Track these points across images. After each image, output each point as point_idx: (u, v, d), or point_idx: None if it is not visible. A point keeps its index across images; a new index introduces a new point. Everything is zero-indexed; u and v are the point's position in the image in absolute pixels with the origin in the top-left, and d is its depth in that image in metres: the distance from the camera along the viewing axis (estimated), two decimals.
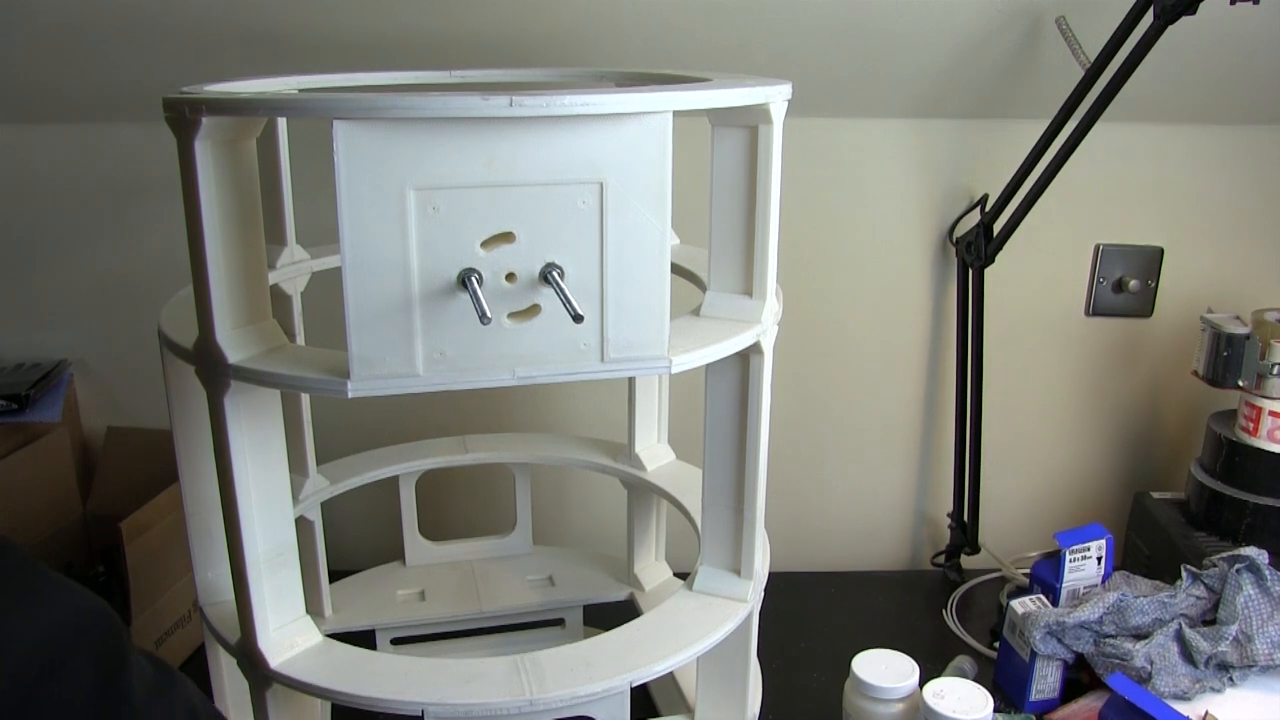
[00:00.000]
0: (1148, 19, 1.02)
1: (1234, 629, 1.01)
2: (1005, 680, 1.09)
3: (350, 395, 0.67)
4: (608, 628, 0.84)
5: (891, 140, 1.28)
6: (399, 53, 1.12)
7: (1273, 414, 1.17)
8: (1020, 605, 1.06)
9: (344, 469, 1.10)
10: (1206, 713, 0.98)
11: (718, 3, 1.09)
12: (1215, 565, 1.07)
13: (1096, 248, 1.34)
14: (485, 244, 0.66)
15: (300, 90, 0.89)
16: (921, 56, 1.17)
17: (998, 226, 1.21)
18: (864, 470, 1.42)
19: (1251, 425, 1.19)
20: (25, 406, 1.18)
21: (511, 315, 0.68)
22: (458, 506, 1.38)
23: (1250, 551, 1.05)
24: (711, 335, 0.77)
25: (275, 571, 0.77)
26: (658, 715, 1.01)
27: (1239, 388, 1.19)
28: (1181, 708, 0.90)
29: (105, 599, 1.06)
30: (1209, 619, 1.05)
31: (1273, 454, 1.17)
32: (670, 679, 1.02)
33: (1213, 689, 1.01)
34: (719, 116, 0.77)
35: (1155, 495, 1.32)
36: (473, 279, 0.65)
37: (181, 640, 1.14)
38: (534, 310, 0.68)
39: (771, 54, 1.16)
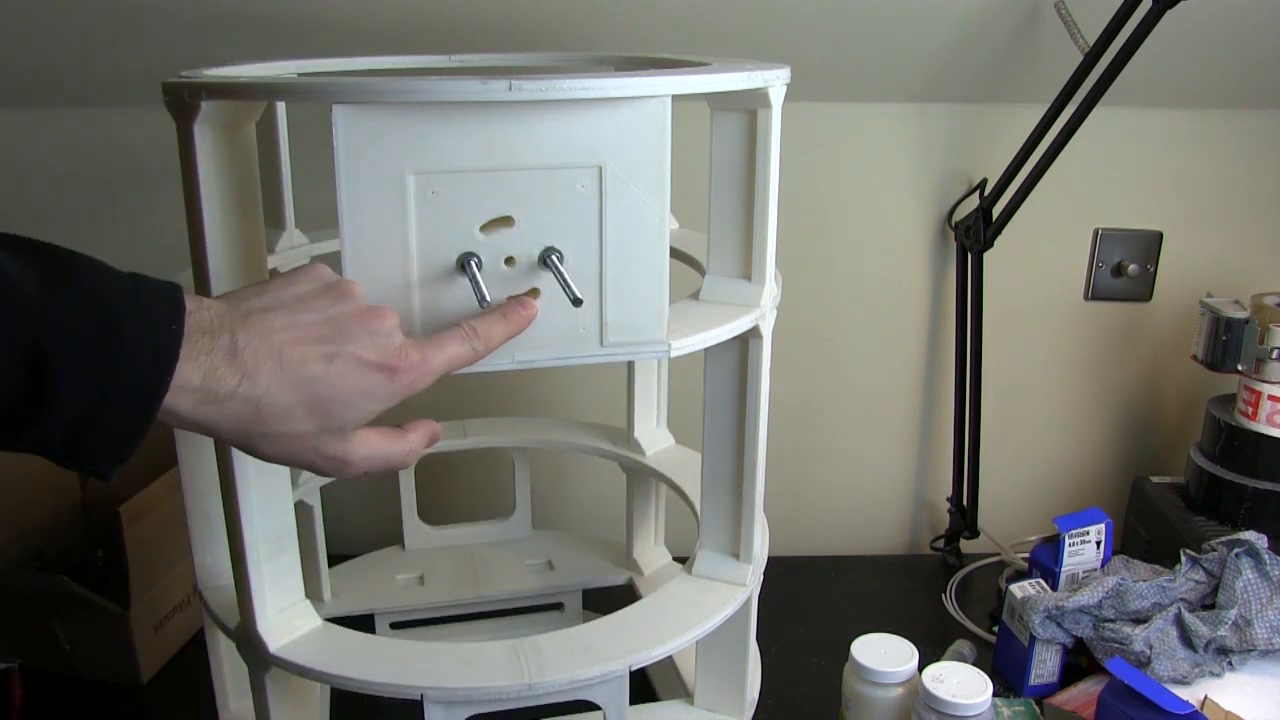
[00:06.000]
0: (1146, 3, 1.02)
1: (1233, 613, 1.01)
2: (1004, 664, 1.09)
3: None
4: (606, 612, 0.84)
5: (890, 124, 1.28)
6: (398, 37, 1.12)
7: (1272, 398, 1.17)
8: (1019, 589, 1.06)
9: None
10: (1206, 697, 0.98)
11: None
12: (1214, 549, 1.07)
13: (1095, 232, 1.34)
14: (484, 228, 0.66)
15: (299, 75, 0.89)
16: (921, 41, 1.17)
17: (997, 211, 1.20)
18: (863, 455, 1.42)
19: (1251, 409, 1.19)
20: None
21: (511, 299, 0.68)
22: (457, 491, 1.39)
23: (1249, 536, 1.05)
24: (710, 319, 0.77)
25: (274, 556, 0.77)
26: (656, 699, 1.01)
27: (1238, 372, 1.19)
28: (1181, 692, 0.90)
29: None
30: (1208, 603, 1.05)
31: (1272, 438, 1.17)
32: (669, 663, 1.03)
33: (1212, 673, 1.01)
34: (718, 100, 0.77)
35: (1154, 479, 1.32)
36: (472, 263, 0.65)
37: (180, 625, 1.15)
38: (533, 294, 0.68)
39: (770, 38, 1.15)
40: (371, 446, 0.60)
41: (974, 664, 0.89)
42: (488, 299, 0.64)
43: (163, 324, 0.51)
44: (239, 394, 0.53)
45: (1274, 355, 1.16)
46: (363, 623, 1.02)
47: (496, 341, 0.64)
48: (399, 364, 0.59)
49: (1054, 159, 1.13)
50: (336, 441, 0.58)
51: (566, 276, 0.66)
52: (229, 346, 0.53)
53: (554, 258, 0.67)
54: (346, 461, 0.59)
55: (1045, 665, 1.05)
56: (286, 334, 0.56)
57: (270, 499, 0.76)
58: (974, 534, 1.33)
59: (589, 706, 0.79)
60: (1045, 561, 1.09)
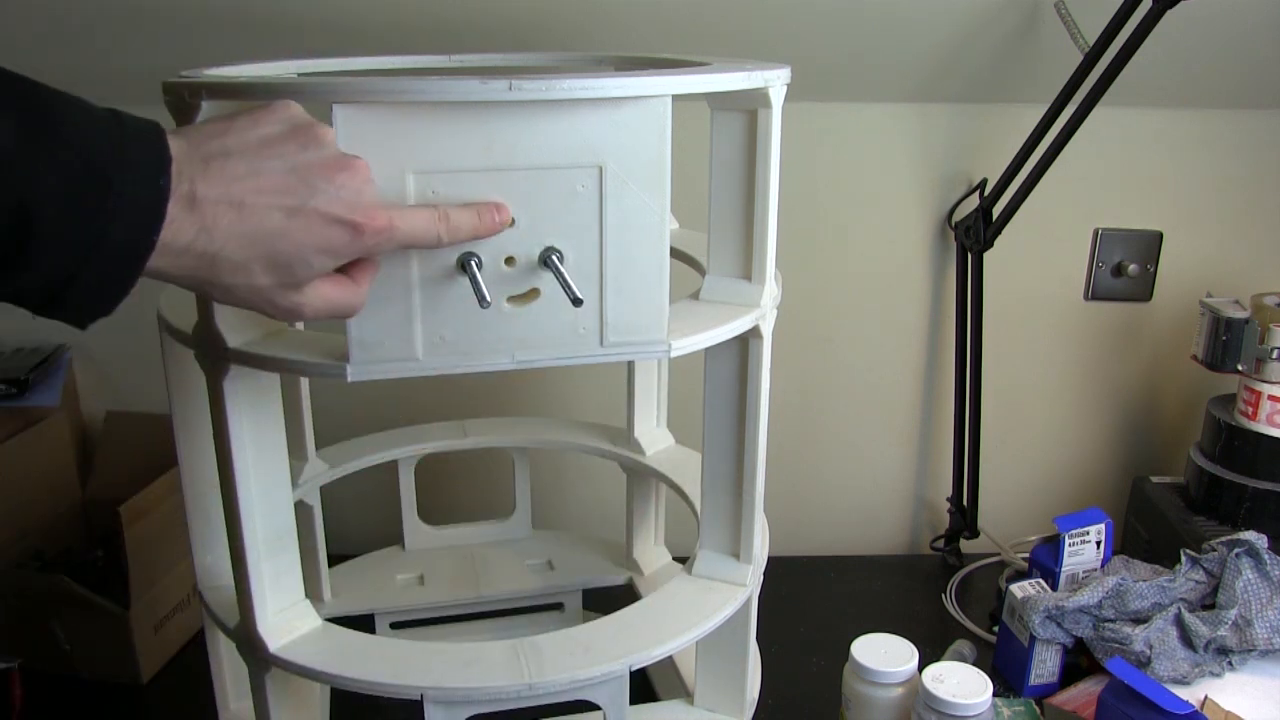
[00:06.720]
0: (1146, 3, 1.02)
1: (1233, 613, 1.01)
2: (1004, 664, 1.09)
3: (350, 379, 0.67)
4: (607, 612, 0.84)
5: (891, 124, 1.28)
6: (398, 37, 1.12)
7: (1272, 398, 1.17)
8: (1019, 589, 1.06)
9: (343, 453, 1.10)
10: (1206, 697, 0.98)
11: None
12: (1214, 550, 1.07)
13: (1096, 232, 1.34)
14: None
15: (299, 75, 0.89)
16: (921, 41, 1.17)
17: (997, 211, 1.20)
18: (863, 455, 1.42)
19: (1251, 409, 1.19)
20: (25, 391, 1.18)
21: (511, 299, 0.68)
22: (457, 491, 1.38)
23: (1249, 536, 1.05)
24: (710, 319, 0.77)
25: (274, 555, 0.77)
26: (656, 699, 1.01)
27: (1238, 372, 1.19)
28: (1181, 692, 0.90)
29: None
30: (1208, 603, 1.05)
31: (1272, 438, 1.17)
32: (669, 663, 1.03)
33: (1212, 673, 1.01)
34: (718, 100, 0.77)
35: (1154, 479, 1.32)
36: (472, 263, 0.65)
37: (180, 625, 1.14)
38: (533, 294, 0.68)
39: (770, 38, 1.15)
40: (324, 297, 0.59)
41: (974, 664, 0.89)
42: (488, 299, 0.64)
43: (149, 179, 0.49)
44: (195, 248, 0.52)
45: (1274, 355, 1.16)
46: (363, 623, 1.02)
47: (463, 235, 0.62)
48: (365, 222, 0.57)
49: (1054, 159, 1.13)
50: (291, 294, 0.57)
51: (566, 276, 0.66)
52: (188, 195, 0.51)
53: (554, 257, 0.67)
54: (299, 313, 0.59)
55: (1045, 665, 1.05)
56: (248, 183, 0.53)
57: (270, 499, 0.76)
58: (974, 534, 1.33)
59: (589, 706, 0.79)
60: (1045, 561, 1.09)
